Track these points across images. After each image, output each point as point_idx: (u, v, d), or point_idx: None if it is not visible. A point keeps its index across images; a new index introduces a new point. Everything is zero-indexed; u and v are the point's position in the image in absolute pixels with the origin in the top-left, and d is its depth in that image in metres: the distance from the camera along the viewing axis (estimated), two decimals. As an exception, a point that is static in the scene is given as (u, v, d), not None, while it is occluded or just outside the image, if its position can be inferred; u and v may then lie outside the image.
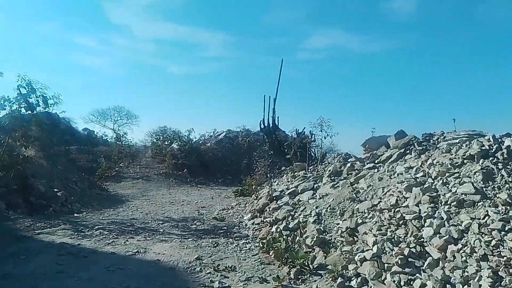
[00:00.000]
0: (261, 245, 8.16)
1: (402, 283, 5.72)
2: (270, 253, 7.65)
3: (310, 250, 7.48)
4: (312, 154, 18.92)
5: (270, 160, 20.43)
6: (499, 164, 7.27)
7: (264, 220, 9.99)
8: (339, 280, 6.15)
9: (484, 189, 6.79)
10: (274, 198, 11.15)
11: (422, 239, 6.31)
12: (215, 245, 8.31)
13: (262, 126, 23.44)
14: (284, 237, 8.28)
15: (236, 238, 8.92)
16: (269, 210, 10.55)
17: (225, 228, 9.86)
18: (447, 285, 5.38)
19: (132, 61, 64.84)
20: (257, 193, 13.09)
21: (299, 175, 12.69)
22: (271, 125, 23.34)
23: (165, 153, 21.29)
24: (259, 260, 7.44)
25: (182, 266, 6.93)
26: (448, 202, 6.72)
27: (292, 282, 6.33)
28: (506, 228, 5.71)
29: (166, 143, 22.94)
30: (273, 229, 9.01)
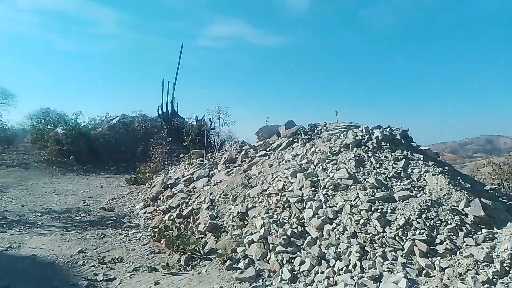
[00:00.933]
0: (152, 234, 7.97)
1: (284, 262, 6.20)
2: (162, 242, 7.54)
3: (202, 236, 7.58)
4: (211, 141, 19.01)
5: (168, 147, 19.84)
6: (369, 152, 8.31)
7: (157, 209, 9.76)
8: (228, 263, 6.39)
9: (356, 174, 7.70)
10: (169, 185, 10.94)
11: (303, 220, 6.92)
12: (102, 236, 7.85)
13: (160, 112, 22.63)
14: (177, 224, 8.22)
15: (125, 228, 8.55)
16: (163, 198, 10.33)
17: (114, 218, 9.35)
18: (323, 261, 6.02)
19: (10, 31, 56.17)
20: (151, 181, 12.68)
21: (196, 162, 12.66)
22: (169, 111, 22.64)
23: (47, 138, 19.01)
24: (149, 249, 7.28)
25: (62, 260, 6.41)
26: (326, 186, 7.47)
27: (182, 269, 6.34)
28: (373, 208, 6.60)
29: (49, 127, 20.50)
30: (166, 217, 8.86)
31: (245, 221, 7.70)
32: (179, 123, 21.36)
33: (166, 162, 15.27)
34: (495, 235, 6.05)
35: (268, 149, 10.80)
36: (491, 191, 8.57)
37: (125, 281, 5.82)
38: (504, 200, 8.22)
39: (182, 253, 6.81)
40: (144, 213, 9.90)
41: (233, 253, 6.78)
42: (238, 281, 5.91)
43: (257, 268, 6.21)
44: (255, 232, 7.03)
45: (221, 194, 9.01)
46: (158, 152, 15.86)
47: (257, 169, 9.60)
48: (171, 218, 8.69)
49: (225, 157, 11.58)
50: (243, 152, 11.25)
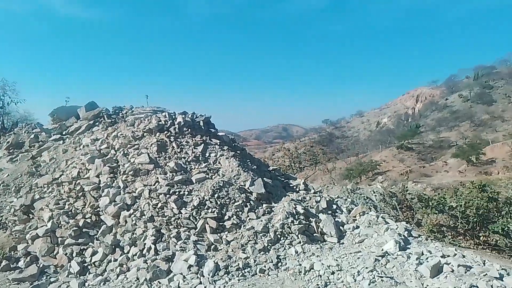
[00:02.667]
0: None
1: (74, 254, 5.75)
2: None
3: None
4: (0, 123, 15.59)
5: None
6: (171, 137, 8.51)
7: None
8: (4, 263, 5.50)
9: (157, 159, 7.78)
10: None
11: (98, 209, 6.55)
12: None
13: None
14: None
15: None
16: None
17: None
18: (117, 249, 5.87)
19: None
20: None
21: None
22: None
23: None
24: None
25: None
26: (126, 172, 7.28)
27: None
28: (171, 192, 6.81)
29: None
30: None
31: (30, 215, 6.74)
32: None
33: None
34: (272, 209, 7.22)
35: (64, 133, 9.67)
36: (273, 171, 10.19)
37: None
38: (282, 178, 9.95)
39: None
40: None
41: (12, 252, 5.87)
42: (16, 282, 5.19)
43: (41, 265, 5.57)
44: (41, 226, 6.26)
45: (0, 185, 7.60)
46: None
47: (49, 155, 8.50)
48: None
49: (8, 142, 9.76)
50: (32, 136, 9.73)
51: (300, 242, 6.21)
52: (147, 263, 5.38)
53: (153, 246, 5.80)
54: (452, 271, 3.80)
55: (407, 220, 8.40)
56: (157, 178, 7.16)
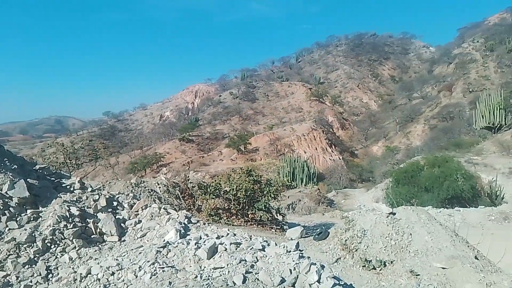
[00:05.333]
0: None
1: None
2: None
3: None
4: None
5: None
6: None
7: None
8: None
9: None
10: None
11: None
12: None
13: None
14: None
15: None
16: None
17: None
18: None
19: None
20: None
21: None
22: None
23: None
24: None
25: None
26: None
27: None
28: None
29: None
30: None
31: None
32: None
33: None
34: (40, 214, 6.12)
35: None
36: (41, 170, 8.68)
37: None
38: (52, 178, 8.59)
39: None
40: None
41: None
42: None
43: None
44: None
45: None
46: None
47: None
48: None
49: None
50: None
51: (75, 247, 5.56)
52: None
53: None
54: (226, 249, 4.20)
55: (189, 207, 8.87)
56: None
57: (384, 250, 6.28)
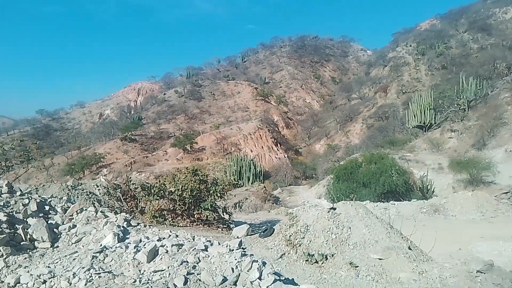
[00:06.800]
0: None
1: None
2: None
3: None
4: None
5: None
6: None
7: None
8: None
9: None
10: None
11: None
12: None
13: None
14: None
15: None
16: None
17: None
18: None
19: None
20: None
21: None
22: None
23: None
24: None
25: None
26: None
27: None
28: None
29: None
30: None
31: None
32: None
33: None
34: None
35: None
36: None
37: None
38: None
39: None
40: None
41: None
42: None
43: None
44: None
45: None
46: None
47: None
48: None
49: None
50: None
51: (2, 255, 5.07)
52: None
53: None
54: (167, 252, 4.08)
55: (131, 210, 8.51)
56: None
57: (326, 244, 6.51)
